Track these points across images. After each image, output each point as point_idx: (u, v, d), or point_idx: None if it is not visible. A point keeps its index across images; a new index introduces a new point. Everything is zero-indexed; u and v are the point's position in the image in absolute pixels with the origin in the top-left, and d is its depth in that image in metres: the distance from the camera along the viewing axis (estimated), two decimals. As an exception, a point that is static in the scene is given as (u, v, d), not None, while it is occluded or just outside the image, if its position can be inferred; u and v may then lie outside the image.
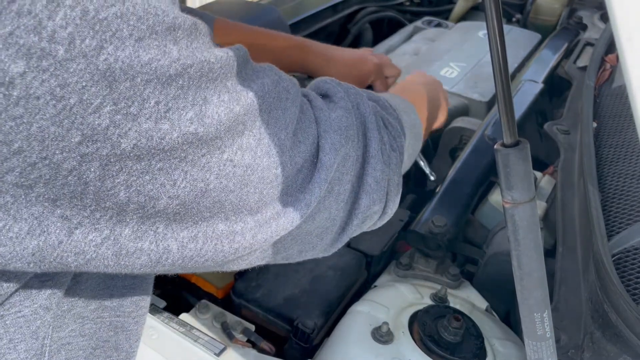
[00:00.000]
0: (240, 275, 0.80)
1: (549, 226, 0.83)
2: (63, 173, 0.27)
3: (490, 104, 1.19)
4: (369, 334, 0.67)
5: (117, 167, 0.29)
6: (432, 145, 1.14)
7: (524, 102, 1.14)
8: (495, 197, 0.90)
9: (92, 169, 0.28)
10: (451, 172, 0.95)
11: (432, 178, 0.92)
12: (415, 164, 0.95)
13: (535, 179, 0.94)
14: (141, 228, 0.32)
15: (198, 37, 0.31)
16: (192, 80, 0.30)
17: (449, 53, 1.38)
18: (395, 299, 0.73)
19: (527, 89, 1.19)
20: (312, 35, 1.46)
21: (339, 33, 1.63)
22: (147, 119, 0.28)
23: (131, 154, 0.29)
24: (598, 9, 1.64)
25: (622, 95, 0.99)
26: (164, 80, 0.28)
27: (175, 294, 0.84)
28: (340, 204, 0.46)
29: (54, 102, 0.25)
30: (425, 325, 0.67)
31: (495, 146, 0.42)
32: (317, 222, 0.45)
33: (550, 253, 0.74)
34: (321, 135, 0.43)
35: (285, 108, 0.39)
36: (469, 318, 0.69)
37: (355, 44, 1.64)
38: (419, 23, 1.66)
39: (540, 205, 0.87)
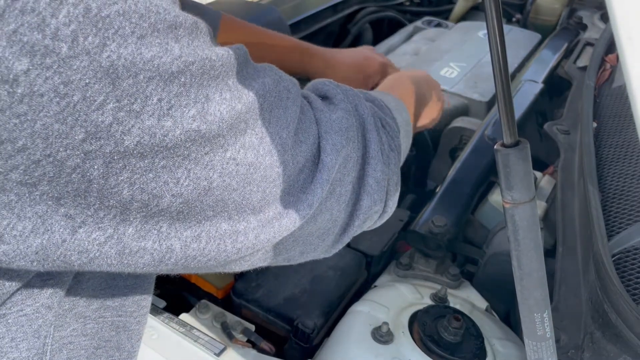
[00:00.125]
0: (240, 275, 0.80)
1: (549, 226, 0.83)
2: (67, 171, 0.28)
3: (490, 104, 1.19)
4: (369, 334, 0.67)
5: (120, 165, 0.29)
6: (432, 145, 1.14)
7: (524, 102, 1.14)
8: (495, 197, 0.90)
9: (96, 167, 0.28)
10: (451, 172, 0.95)
11: None
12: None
13: (535, 179, 0.94)
14: (144, 227, 0.32)
15: (199, 35, 0.31)
16: (194, 77, 0.30)
17: (449, 53, 1.38)
18: (395, 299, 0.73)
19: (527, 89, 1.19)
20: (312, 35, 1.46)
21: (339, 33, 1.62)
22: (150, 116, 0.28)
23: (134, 152, 0.29)
24: (598, 9, 1.64)
25: (622, 95, 0.99)
26: (166, 77, 0.28)
27: (175, 294, 0.84)
28: (341, 205, 0.46)
29: (57, 99, 0.26)
30: (425, 325, 0.67)
31: (495, 146, 0.42)
32: (319, 223, 0.45)
33: (550, 253, 0.74)
34: (322, 136, 0.43)
35: (287, 107, 0.39)
36: (469, 318, 0.69)
37: (355, 44, 1.64)
38: (419, 23, 1.66)
39: (540, 205, 0.87)
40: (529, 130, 1.21)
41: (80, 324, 0.41)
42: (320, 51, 1.00)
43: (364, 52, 1.06)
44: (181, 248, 0.34)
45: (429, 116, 0.80)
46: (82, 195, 0.29)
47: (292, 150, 0.39)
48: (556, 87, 1.30)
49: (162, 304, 0.78)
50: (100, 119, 0.27)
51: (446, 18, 1.79)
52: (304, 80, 1.03)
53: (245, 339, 0.71)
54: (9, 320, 0.35)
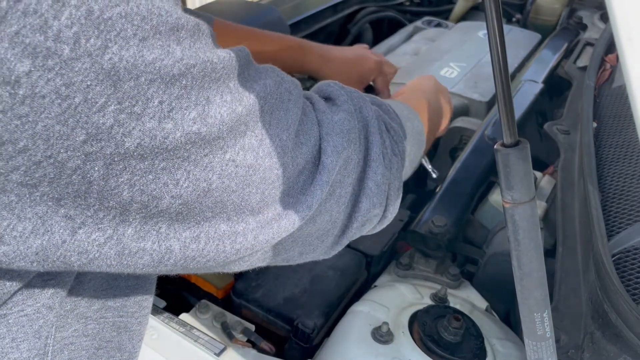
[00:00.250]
0: (240, 275, 0.80)
1: (549, 226, 0.83)
2: (67, 172, 0.28)
3: (490, 104, 1.19)
4: (369, 334, 0.67)
5: (120, 166, 0.29)
6: (432, 145, 1.14)
7: (524, 102, 1.14)
8: (495, 197, 0.90)
9: (96, 168, 0.28)
10: (451, 172, 0.95)
11: (434, 176, 0.92)
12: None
13: (535, 179, 0.94)
14: (144, 228, 0.32)
15: (201, 37, 0.31)
16: (195, 80, 0.30)
17: (449, 53, 1.38)
18: (395, 299, 0.73)
19: (527, 89, 1.19)
20: (312, 35, 1.46)
21: (339, 33, 1.62)
22: (151, 118, 0.28)
23: (135, 153, 0.29)
24: (598, 9, 1.64)
25: (622, 95, 0.99)
26: (167, 80, 0.28)
27: (175, 294, 0.84)
28: (341, 206, 0.46)
29: (59, 101, 0.26)
30: (425, 325, 0.67)
31: (495, 146, 0.42)
32: (318, 224, 0.45)
33: (550, 253, 0.74)
34: (323, 138, 0.43)
35: (288, 109, 0.39)
36: (469, 318, 0.69)
37: (355, 44, 1.64)
38: (419, 23, 1.66)
39: (540, 205, 0.87)
40: (529, 130, 1.21)
41: (82, 324, 0.41)
42: (315, 47, 1.00)
43: (358, 50, 1.07)
44: (180, 249, 0.34)
45: (443, 125, 0.81)
46: (82, 197, 0.29)
47: (292, 152, 0.39)
48: (556, 87, 1.30)
49: (162, 304, 0.78)
50: (101, 121, 0.27)
51: (446, 18, 1.79)
52: (304, 79, 1.03)
53: (245, 339, 0.71)
54: (9, 321, 0.35)
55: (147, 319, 0.48)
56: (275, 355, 0.69)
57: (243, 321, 0.74)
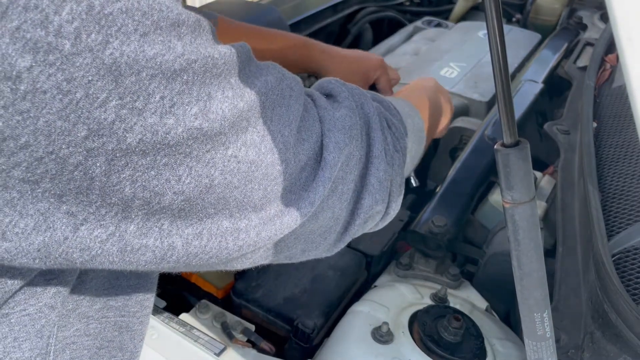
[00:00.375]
0: (241, 275, 0.80)
1: (549, 226, 0.83)
2: (69, 168, 0.28)
3: (490, 104, 1.19)
4: (369, 334, 0.67)
5: (122, 162, 0.29)
6: (432, 145, 1.15)
7: (524, 102, 1.14)
8: (495, 197, 0.90)
9: (98, 164, 0.28)
10: (451, 172, 0.95)
11: (414, 184, 0.93)
12: None
13: (535, 179, 0.95)
14: (146, 224, 0.32)
15: (202, 33, 0.31)
16: (196, 75, 0.30)
17: (449, 53, 1.38)
18: (395, 299, 0.73)
19: (527, 89, 1.19)
20: (312, 36, 1.46)
21: (339, 33, 1.63)
22: (153, 113, 0.28)
23: (137, 149, 0.29)
24: (598, 9, 1.64)
25: (622, 95, 0.99)
26: (168, 75, 0.29)
27: (176, 294, 0.84)
28: (343, 203, 0.46)
29: (60, 96, 0.26)
30: (425, 325, 0.67)
31: (495, 146, 0.42)
32: (321, 221, 0.45)
33: (550, 253, 0.74)
34: (325, 134, 0.43)
35: (289, 105, 0.39)
36: (469, 318, 0.69)
37: (355, 44, 1.64)
38: (419, 23, 1.66)
39: (540, 205, 0.87)
40: (529, 130, 1.21)
41: (84, 324, 0.41)
42: (319, 44, 1.00)
43: (360, 50, 1.07)
44: (183, 245, 0.34)
45: (442, 124, 0.81)
46: (84, 193, 0.29)
47: (294, 148, 0.39)
48: (556, 87, 1.30)
49: (163, 304, 0.78)
50: (102, 117, 0.27)
51: (446, 18, 1.79)
52: (306, 78, 1.03)
53: (245, 339, 0.71)
54: (12, 320, 0.35)
55: (149, 318, 0.48)
56: (275, 355, 0.69)
57: (243, 321, 0.74)
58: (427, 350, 0.65)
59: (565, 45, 1.43)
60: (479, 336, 0.67)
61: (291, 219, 0.40)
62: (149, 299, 0.46)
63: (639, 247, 0.63)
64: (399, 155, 0.53)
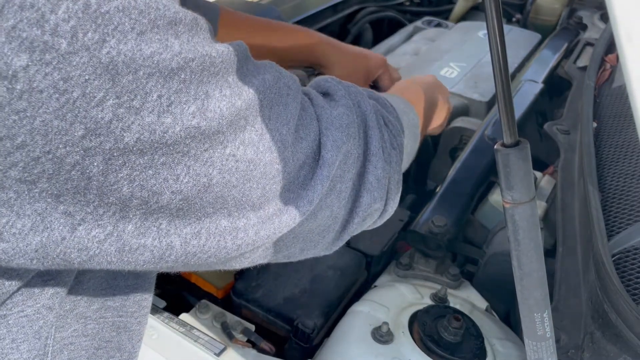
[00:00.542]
0: (240, 275, 0.80)
1: (549, 226, 0.83)
2: (66, 168, 0.27)
3: (490, 104, 1.19)
4: (369, 334, 0.67)
5: (120, 162, 0.29)
6: (432, 145, 1.15)
7: (524, 102, 1.14)
8: (495, 197, 0.90)
9: (96, 164, 0.28)
10: (451, 172, 0.95)
11: None
12: None
13: (535, 179, 0.94)
14: (144, 224, 0.32)
15: (199, 32, 0.31)
16: (194, 74, 0.30)
17: (449, 53, 1.38)
18: (395, 299, 0.73)
19: (527, 89, 1.19)
20: (312, 36, 1.46)
21: (339, 33, 1.62)
22: (150, 112, 0.28)
23: (134, 148, 0.29)
24: (598, 9, 1.64)
25: (622, 95, 0.99)
26: (166, 73, 0.28)
27: (175, 294, 0.84)
28: (341, 201, 0.46)
29: (57, 95, 0.25)
30: (425, 325, 0.67)
31: (495, 146, 0.42)
32: (319, 219, 0.45)
33: (550, 253, 0.74)
34: (323, 133, 0.43)
35: (287, 104, 0.39)
36: (469, 318, 0.69)
37: (355, 44, 1.64)
38: (419, 23, 1.66)
39: (540, 205, 0.87)
40: (529, 130, 1.21)
41: (81, 324, 0.41)
42: (324, 37, 1.00)
43: (363, 48, 1.07)
44: (181, 245, 0.34)
45: (437, 121, 0.81)
46: (81, 193, 0.29)
47: (292, 146, 0.39)
48: (556, 87, 1.30)
49: (162, 304, 0.78)
50: (99, 116, 0.27)
51: (446, 18, 1.79)
52: (305, 77, 1.03)
53: (245, 339, 0.71)
54: (9, 321, 0.35)
55: (147, 318, 0.48)
56: (275, 355, 0.69)
57: (243, 321, 0.74)
58: (427, 350, 0.65)
59: (565, 45, 1.42)
60: (479, 336, 0.67)
61: (290, 218, 0.40)
62: (147, 299, 0.46)
63: (639, 247, 0.63)
64: (396, 153, 0.53)
